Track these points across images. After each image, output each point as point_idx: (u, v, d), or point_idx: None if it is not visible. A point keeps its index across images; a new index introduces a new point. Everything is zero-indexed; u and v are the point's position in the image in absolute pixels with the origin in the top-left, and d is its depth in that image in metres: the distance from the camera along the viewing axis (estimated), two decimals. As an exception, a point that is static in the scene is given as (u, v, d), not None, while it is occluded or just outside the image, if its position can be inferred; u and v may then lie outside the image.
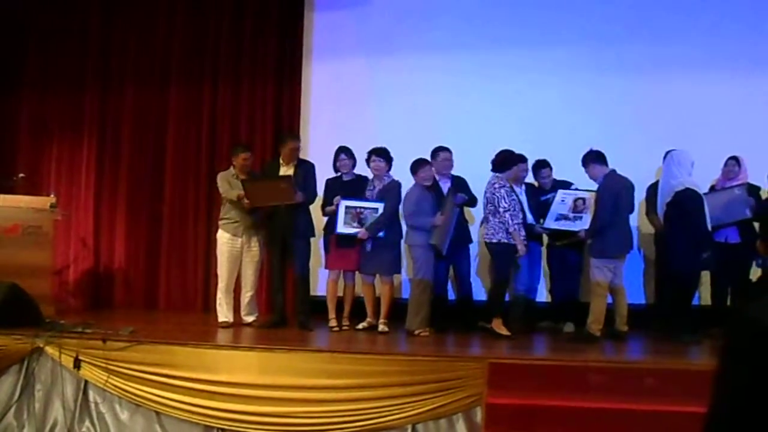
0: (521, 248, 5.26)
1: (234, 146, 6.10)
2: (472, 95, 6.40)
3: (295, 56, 6.87)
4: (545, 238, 5.91)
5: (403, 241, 5.63)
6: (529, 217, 5.63)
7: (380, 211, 5.51)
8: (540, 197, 5.84)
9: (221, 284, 5.71)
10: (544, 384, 4.13)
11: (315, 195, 5.76)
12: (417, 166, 5.50)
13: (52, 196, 6.23)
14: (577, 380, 4.13)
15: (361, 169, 5.84)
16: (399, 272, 5.78)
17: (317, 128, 6.75)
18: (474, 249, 5.99)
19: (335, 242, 5.62)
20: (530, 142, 5.88)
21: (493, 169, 5.43)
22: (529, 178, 5.96)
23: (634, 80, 6.18)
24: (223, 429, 4.46)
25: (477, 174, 5.63)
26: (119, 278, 7.14)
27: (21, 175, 6.33)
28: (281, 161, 5.76)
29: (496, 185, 5.32)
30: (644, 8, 6.26)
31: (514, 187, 5.48)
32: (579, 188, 5.73)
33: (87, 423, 4.66)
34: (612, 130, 6.03)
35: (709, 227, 5.12)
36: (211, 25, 7.10)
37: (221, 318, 5.66)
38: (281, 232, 5.65)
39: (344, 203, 5.54)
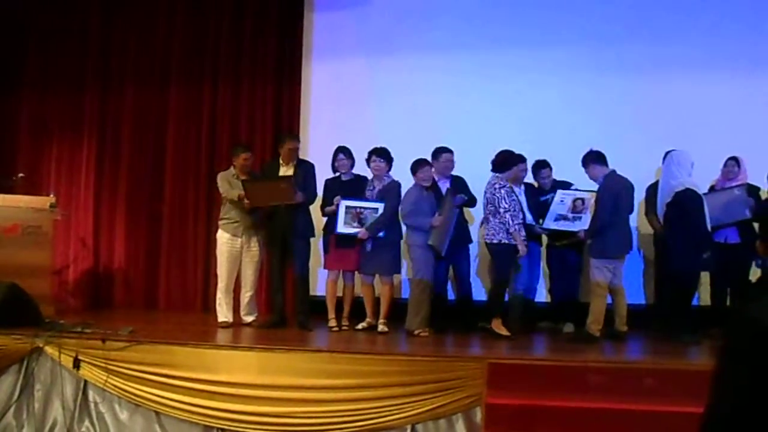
0: (522, 248, 5.26)
1: (234, 146, 6.10)
2: (471, 95, 6.40)
3: (295, 56, 6.87)
4: (545, 239, 5.91)
5: (402, 242, 5.63)
6: (529, 218, 5.63)
7: (380, 211, 5.51)
8: (539, 197, 5.84)
9: (221, 284, 5.71)
10: (543, 384, 4.13)
11: (315, 195, 5.76)
12: (417, 166, 5.50)
13: (51, 196, 6.24)
14: (577, 380, 4.13)
15: (360, 169, 5.84)
16: (399, 272, 5.78)
17: (317, 128, 6.75)
18: (474, 249, 5.99)
19: (334, 242, 5.62)
20: (530, 143, 5.88)
21: (493, 170, 5.42)
22: (529, 178, 5.96)
23: (633, 80, 6.18)
24: (222, 429, 4.46)
25: (477, 174, 5.62)
26: (119, 278, 7.14)
27: (21, 174, 6.34)
28: (281, 161, 5.76)
29: (497, 185, 5.32)
30: (644, 8, 6.25)
31: (514, 187, 5.47)
32: (578, 188, 5.73)
33: (86, 423, 4.66)
34: (612, 130, 6.03)
35: (709, 228, 5.11)
36: (211, 25, 7.10)
37: (221, 318, 5.66)
38: (281, 232, 5.65)
39: (344, 203, 5.54)
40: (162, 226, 7.07)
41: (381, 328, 5.44)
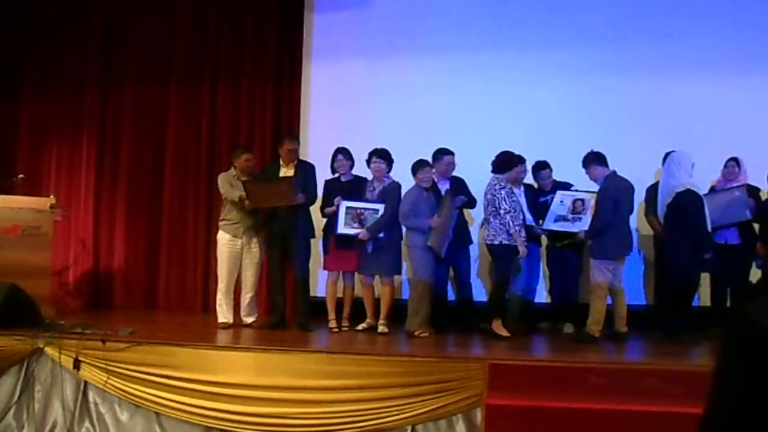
0: (522, 249, 5.26)
1: (234, 147, 6.10)
2: (472, 96, 6.40)
3: (295, 57, 6.87)
4: (544, 239, 5.91)
5: (403, 242, 5.63)
6: (529, 218, 5.63)
7: (381, 212, 5.51)
8: (539, 198, 5.84)
9: (221, 285, 5.71)
10: (544, 385, 4.13)
11: (315, 196, 5.76)
12: (417, 166, 5.50)
13: (51, 196, 6.23)
14: (577, 381, 4.13)
15: (360, 170, 5.84)
16: (399, 273, 5.77)
17: (317, 129, 6.75)
18: (474, 250, 5.99)
19: (334, 243, 5.62)
20: (530, 143, 5.88)
21: (494, 171, 5.42)
22: (529, 179, 5.96)
23: (634, 81, 6.18)
24: (222, 430, 4.45)
25: (477, 175, 5.62)
26: (119, 279, 7.14)
27: (21, 175, 6.33)
28: (281, 162, 5.76)
29: (497, 186, 5.32)
30: (644, 9, 6.25)
31: (514, 188, 5.47)
32: (578, 189, 5.73)
33: (87, 424, 4.66)
34: (612, 131, 6.03)
35: (709, 228, 5.11)
36: (212, 25, 7.10)
37: (221, 319, 5.66)
38: (281, 233, 5.65)
39: (345, 204, 5.54)
40: (162, 226, 7.07)
41: (381, 328, 5.44)
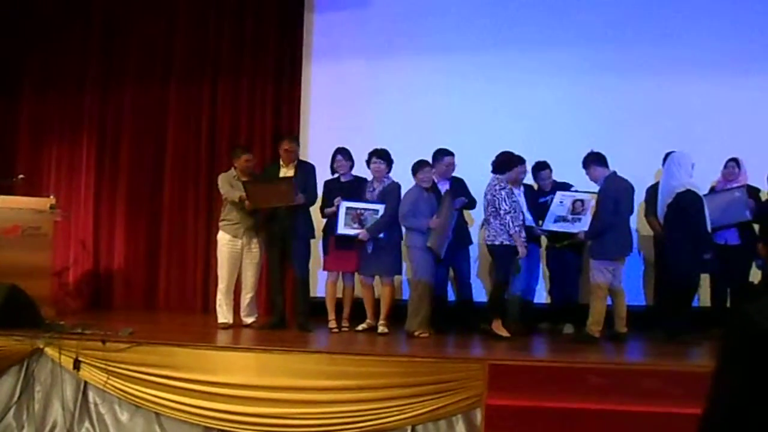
0: (522, 250, 5.25)
1: (234, 148, 6.10)
2: (471, 96, 6.40)
3: (295, 57, 6.87)
4: (544, 240, 5.91)
5: (403, 243, 5.62)
6: (528, 219, 5.62)
7: (381, 212, 5.51)
8: (538, 199, 5.84)
9: (221, 285, 5.71)
10: (544, 385, 4.13)
11: (315, 196, 5.75)
12: (418, 167, 5.50)
13: (51, 197, 6.24)
14: (577, 382, 4.13)
15: (359, 170, 5.83)
16: (399, 273, 5.77)
17: (317, 129, 6.75)
18: (474, 251, 5.98)
19: (334, 244, 5.62)
20: (530, 144, 5.88)
21: (494, 171, 5.41)
22: (528, 180, 5.95)
23: (634, 82, 6.18)
24: (222, 430, 4.45)
25: (477, 175, 5.62)
26: (119, 279, 7.14)
27: (20, 176, 6.33)
28: (281, 163, 5.76)
29: (497, 187, 5.31)
30: (645, 9, 6.25)
31: (513, 189, 5.47)
32: (578, 190, 5.72)
33: (87, 424, 4.66)
34: (612, 131, 6.03)
35: (709, 229, 5.11)
36: (212, 25, 7.10)
37: (221, 319, 5.66)
38: (281, 233, 5.65)
39: (345, 204, 5.53)
40: (162, 226, 7.07)
41: (381, 329, 5.44)
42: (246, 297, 5.75)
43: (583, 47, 6.27)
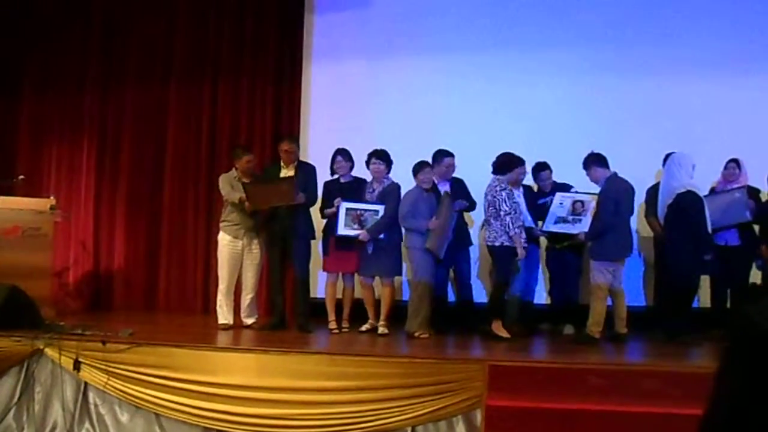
0: (521, 252, 5.24)
1: (234, 148, 6.10)
2: (472, 97, 6.39)
3: (296, 58, 6.87)
4: (543, 241, 5.90)
5: (402, 244, 5.62)
6: (528, 220, 5.62)
7: (381, 213, 5.51)
8: (538, 200, 5.83)
9: (222, 286, 5.71)
10: (544, 386, 4.13)
11: (316, 197, 5.75)
12: (418, 168, 5.49)
13: (51, 197, 6.24)
14: (577, 382, 4.13)
15: (359, 171, 5.83)
16: (399, 274, 5.76)
17: (317, 130, 6.75)
18: (474, 252, 5.98)
19: (334, 245, 5.61)
20: (530, 144, 5.87)
21: (494, 172, 5.41)
22: (528, 181, 5.95)
23: (634, 82, 6.17)
24: (222, 431, 4.45)
25: (477, 176, 5.61)
26: (119, 280, 7.14)
27: (21, 176, 6.33)
28: (282, 163, 5.76)
29: (497, 188, 5.31)
30: (645, 9, 6.25)
31: (513, 190, 5.47)
32: (578, 191, 5.72)
33: (87, 425, 4.66)
34: (612, 132, 6.03)
35: (710, 230, 5.11)
36: (212, 26, 7.10)
37: (221, 320, 5.66)
38: (281, 233, 5.65)
39: (345, 205, 5.53)
40: (162, 227, 7.07)
41: (381, 330, 5.44)
42: (246, 298, 5.75)
43: (583, 47, 6.27)
